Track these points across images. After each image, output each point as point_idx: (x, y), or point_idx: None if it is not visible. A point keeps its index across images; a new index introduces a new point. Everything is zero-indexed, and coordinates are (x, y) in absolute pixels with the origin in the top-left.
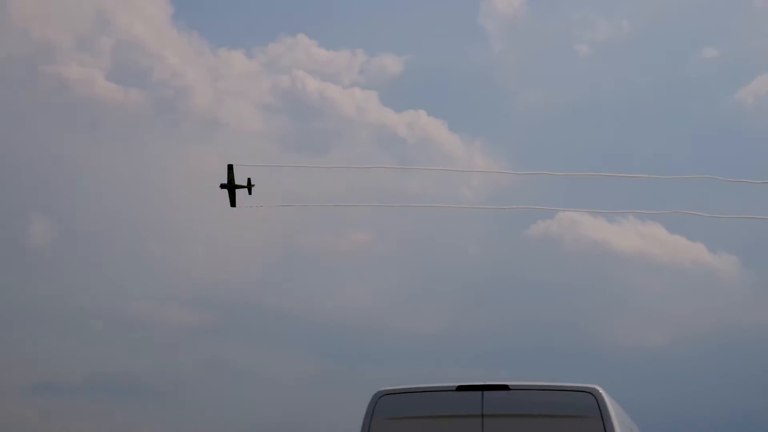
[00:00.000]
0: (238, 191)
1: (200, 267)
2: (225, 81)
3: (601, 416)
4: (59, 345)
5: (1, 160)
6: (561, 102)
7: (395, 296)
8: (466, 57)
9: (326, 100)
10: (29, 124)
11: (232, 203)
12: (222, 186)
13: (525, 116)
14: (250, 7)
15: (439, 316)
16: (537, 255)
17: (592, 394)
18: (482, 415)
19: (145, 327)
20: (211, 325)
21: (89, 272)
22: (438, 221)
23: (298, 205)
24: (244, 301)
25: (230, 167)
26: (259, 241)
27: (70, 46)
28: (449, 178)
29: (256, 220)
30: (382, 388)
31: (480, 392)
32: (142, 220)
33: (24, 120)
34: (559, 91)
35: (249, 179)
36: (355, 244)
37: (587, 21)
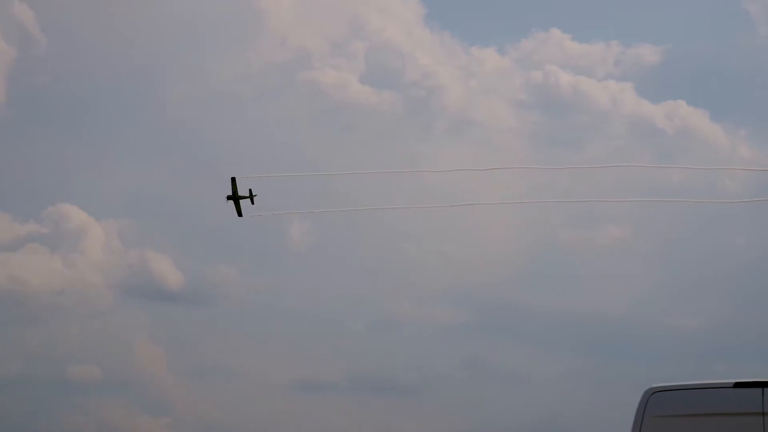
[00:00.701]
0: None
1: (456, 266)
2: (477, 79)
3: None
4: (321, 345)
5: (260, 165)
6: None
7: (659, 292)
8: (729, 43)
9: (580, 94)
10: (287, 130)
11: (239, 213)
12: (228, 198)
13: None
14: (502, 4)
15: (707, 312)
16: None
17: None
18: (763, 414)
19: (403, 326)
20: (467, 324)
21: (347, 273)
22: (701, 215)
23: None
24: (501, 300)
25: (233, 180)
26: (515, 239)
27: (325, 51)
28: (711, 171)
29: (512, 219)
30: (654, 385)
31: (760, 389)
32: (398, 220)
33: (282, 125)
34: None
35: (250, 190)
36: (613, 239)
37: None
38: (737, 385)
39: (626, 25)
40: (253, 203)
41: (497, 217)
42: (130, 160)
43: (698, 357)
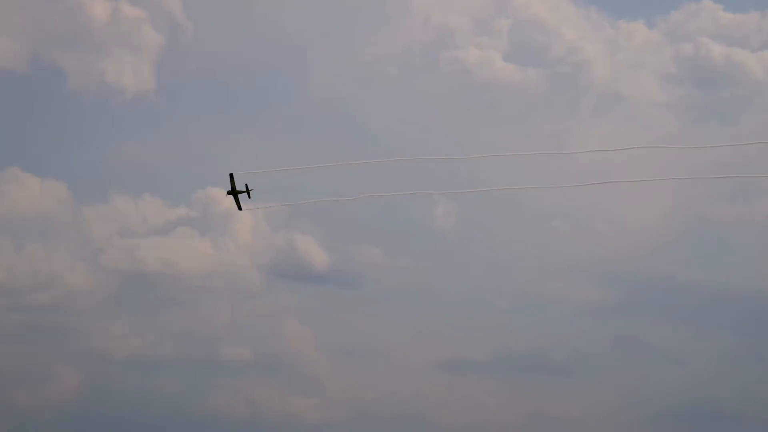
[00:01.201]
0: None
1: (606, 244)
2: (624, 53)
3: None
4: (467, 324)
5: (403, 145)
6: None
7: None
8: None
9: (733, 66)
10: (430, 109)
11: (239, 207)
12: (228, 193)
13: None
14: None
15: None
16: None
17: None
18: None
19: (552, 305)
20: (619, 302)
21: (493, 252)
22: None
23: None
24: (654, 277)
25: (231, 176)
26: (666, 216)
27: (469, 29)
28: None
29: (662, 195)
30: None
31: None
32: (547, 198)
33: (425, 105)
34: None
35: (246, 185)
36: None
37: None
38: None
39: None
40: (249, 197)
41: (647, 193)
42: (276, 143)
43: None
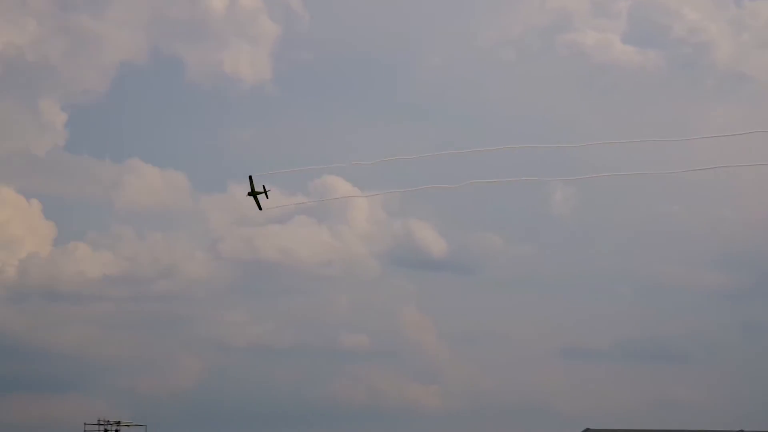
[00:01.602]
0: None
1: (730, 230)
2: (750, 32)
3: None
4: (587, 311)
5: (519, 130)
6: None
7: None
8: None
9: None
10: (549, 94)
11: (259, 207)
12: (248, 194)
13: None
14: None
15: None
16: None
17: None
18: None
19: (674, 292)
20: (744, 289)
21: (613, 238)
22: None
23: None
24: None
25: (250, 178)
26: None
27: (587, 12)
28: None
29: None
30: None
31: None
32: (663, 182)
33: (542, 89)
34: None
35: (264, 186)
36: None
37: None
38: None
39: None
40: (267, 197)
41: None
42: (391, 130)
43: None
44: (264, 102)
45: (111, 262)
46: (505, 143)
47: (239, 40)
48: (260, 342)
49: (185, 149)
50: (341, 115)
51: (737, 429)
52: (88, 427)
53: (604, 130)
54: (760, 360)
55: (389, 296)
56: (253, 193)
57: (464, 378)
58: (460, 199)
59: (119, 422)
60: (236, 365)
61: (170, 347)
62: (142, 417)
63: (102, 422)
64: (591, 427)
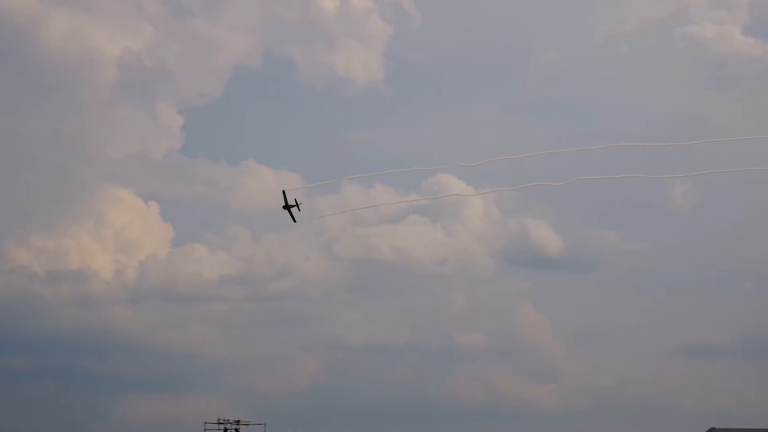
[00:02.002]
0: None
1: None
2: None
3: None
4: (709, 308)
5: (635, 128)
6: None
7: None
8: None
9: None
10: (666, 87)
11: (294, 220)
12: (283, 208)
13: None
14: None
15: None
16: None
17: None
18: None
19: None
20: None
21: (735, 233)
22: None
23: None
24: None
25: (284, 192)
26: None
27: (705, 4)
28: None
29: None
30: None
31: None
32: None
33: (661, 83)
34: None
35: (296, 199)
36: None
37: None
38: None
39: None
40: (299, 210)
41: None
42: (502, 127)
43: None
44: (376, 102)
45: (227, 262)
46: (621, 138)
47: (351, 40)
48: (375, 341)
49: (299, 150)
50: (453, 114)
51: None
52: (208, 426)
53: (727, 122)
54: None
55: (504, 295)
56: (287, 207)
57: (582, 376)
58: (571, 196)
59: (239, 421)
60: (352, 364)
61: (287, 347)
62: (260, 416)
63: (222, 421)
64: (716, 426)
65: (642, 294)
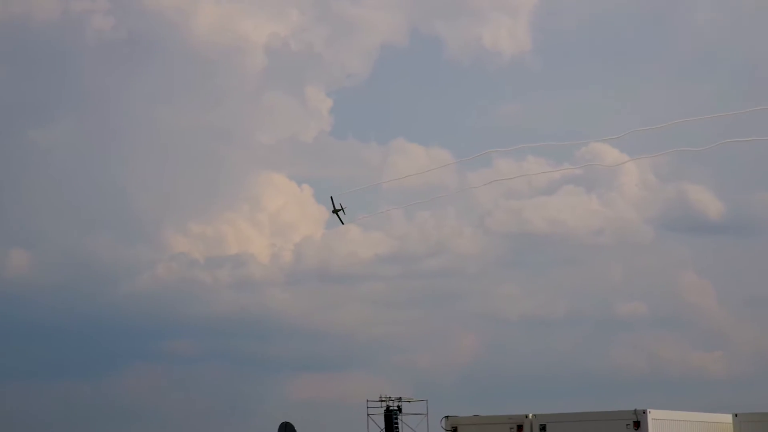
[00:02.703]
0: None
1: None
2: None
3: None
4: None
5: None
6: None
7: None
8: None
9: None
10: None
11: (342, 222)
12: (333, 212)
13: None
14: None
15: None
16: None
17: None
18: None
19: None
20: None
21: None
22: None
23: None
24: None
25: (332, 198)
26: None
27: None
28: None
29: None
30: None
31: None
32: None
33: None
34: None
35: (341, 204)
36: None
37: None
38: None
39: None
40: (345, 213)
41: None
42: (662, 91)
43: None
44: (525, 73)
45: (381, 241)
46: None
47: (497, 12)
48: (534, 314)
49: (448, 126)
50: (610, 79)
51: None
52: (370, 403)
53: None
54: None
55: (665, 262)
56: (335, 211)
57: (750, 342)
58: (739, 158)
59: (401, 398)
60: (511, 338)
61: (444, 323)
62: (421, 392)
63: (384, 398)
64: None
65: None
